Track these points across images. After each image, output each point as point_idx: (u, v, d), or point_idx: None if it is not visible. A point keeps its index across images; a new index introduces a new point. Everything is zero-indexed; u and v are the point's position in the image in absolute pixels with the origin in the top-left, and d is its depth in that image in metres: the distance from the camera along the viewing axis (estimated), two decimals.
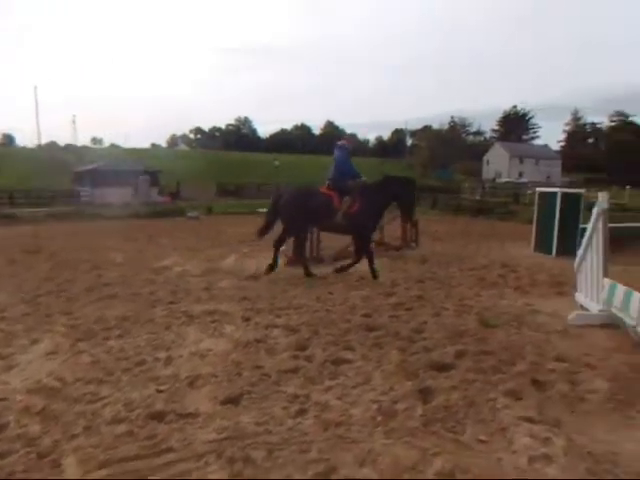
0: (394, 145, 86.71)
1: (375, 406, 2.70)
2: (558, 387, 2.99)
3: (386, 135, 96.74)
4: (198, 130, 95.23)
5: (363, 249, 6.58)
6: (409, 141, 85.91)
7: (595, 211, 4.52)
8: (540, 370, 3.27)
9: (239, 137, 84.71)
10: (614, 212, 18.27)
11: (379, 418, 2.58)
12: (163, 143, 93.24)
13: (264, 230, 6.81)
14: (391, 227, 8.97)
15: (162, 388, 2.90)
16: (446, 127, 76.47)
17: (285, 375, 3.16)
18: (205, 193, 28.83)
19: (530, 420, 2.54)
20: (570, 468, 2.14)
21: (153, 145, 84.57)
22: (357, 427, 2.50)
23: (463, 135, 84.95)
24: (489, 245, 10.29)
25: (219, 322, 4.40)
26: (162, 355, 3.48)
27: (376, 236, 7.16)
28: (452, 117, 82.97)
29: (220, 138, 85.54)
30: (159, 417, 2.56)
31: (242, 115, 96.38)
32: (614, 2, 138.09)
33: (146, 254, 8.68)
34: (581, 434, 2.45)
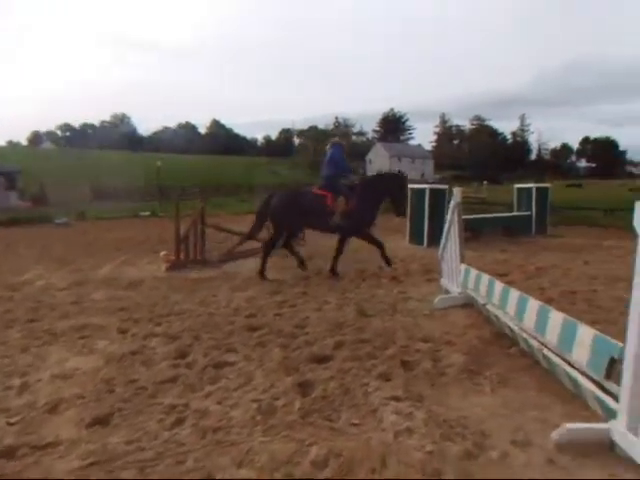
0: (282, 144, 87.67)
1: (255, 405, 2.72)
2: (423, 365, 3.31)
3: (274, 135, 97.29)
4: (67, 127, 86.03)
5: (374, 240, 6.65)
6: (296, 141, 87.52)
7: (451, 205, 5.08)
8: (408, 351, 3.59)
9: (119, 135, 78.36)
10: (475, 205, 20.70)
11: (258, 417, 2.60)
12: (23, 141, 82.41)
13: (255, 231, 6.79)
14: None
15: (13, 420, 2.57)
16: (331, 127, 79.34)
17: (163, 386, 3.02)
18: (78, 197, 26.17)
19: (397, 399, 2.78)
20: (428, 435, 2.39)
21: (10, 143, 74.31)
22: (237, 429, 2.49)
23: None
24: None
25: (90, 338, 4.04)
26: (16, 382, 3.08)
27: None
28: (336, 118, 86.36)
29: (94, 136, 78.25)
30: (9, 454, 2.26)
31: (120, 112, 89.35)
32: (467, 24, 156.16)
33: (1, 268, 7.60)
34: (439, 405, 2.74)
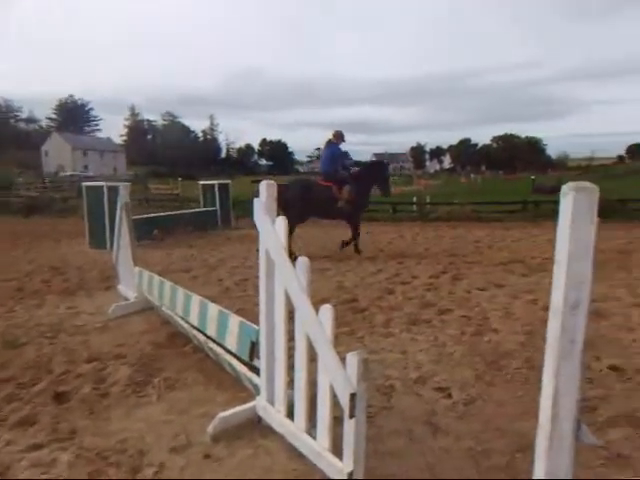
0: None
1: None
2: (81, 392, 2.88)
3: None
4: None
5: (358, 225, 7.60)
6: None
7: (118, 204, 4.69)
8: (66, 380, 3.06)
9: None
10: (170, 202, 20.57)
11: None
12: None
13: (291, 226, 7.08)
14: None
15: None
16: None
17: None
18: None
19: (37, 447, 2.28)
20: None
21: None
22: None
23: (12, 121, 73.34)
24: (41, 247, 9.22)
25: None
26: None
27: None
28: None
29: None
30: None
31: None
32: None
33: None
34: (95, 435, 2.41)
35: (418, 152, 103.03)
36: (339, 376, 1.83)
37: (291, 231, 7.11)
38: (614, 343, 3.43)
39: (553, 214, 10.97)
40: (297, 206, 7.16)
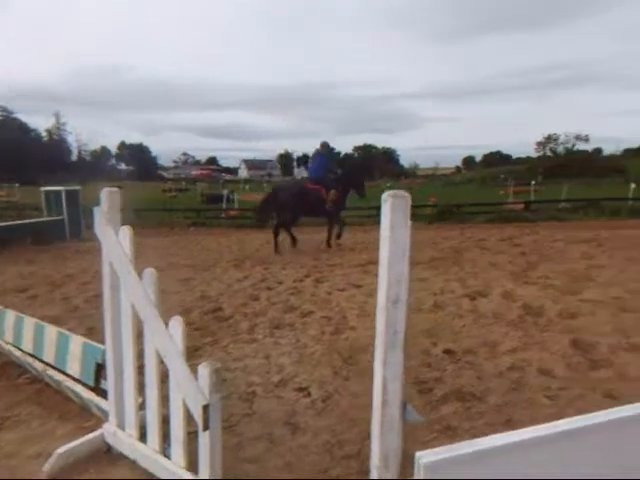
0: None
1: None
2: None
3: None
4: None
5: (339, 219, 8.78)
6: None
7: None
8: None
9: None
10: (3, 210, 17.72)
11: None
12: None
13: (264, 216, 9.07)
14: None
15: None
16: None
17: None
18: None
19: None
20: None
21: None
22: None
23: None
24: None
25: None
26: None
27: None
28: None
29: None
30: None
31: None
32: None
33: None
34: None
35: (286, 159, 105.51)
36: (191, 389, 1.78)
37: (286, 229, 8.61)
38: (448, 330, 3.94)
39: None
40: (291, 208, 8.20)
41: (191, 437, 1.94)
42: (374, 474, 1.46)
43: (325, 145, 8.89)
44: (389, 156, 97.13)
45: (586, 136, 54.69)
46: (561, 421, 1.47)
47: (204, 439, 1.78)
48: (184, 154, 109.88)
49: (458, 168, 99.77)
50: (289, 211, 8.25)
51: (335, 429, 2.48)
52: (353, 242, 9.70)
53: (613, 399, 2.62)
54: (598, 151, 60.93)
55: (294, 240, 8.73)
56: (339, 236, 8.80)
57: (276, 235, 8.51)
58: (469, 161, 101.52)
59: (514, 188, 21.83)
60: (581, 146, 55.47)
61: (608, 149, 67.37)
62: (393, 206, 1.32)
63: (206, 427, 1.77)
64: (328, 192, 8.34)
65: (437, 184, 49.79)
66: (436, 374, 3.11)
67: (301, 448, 2.32)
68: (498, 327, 3.94)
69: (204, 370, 1.74)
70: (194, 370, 1.80)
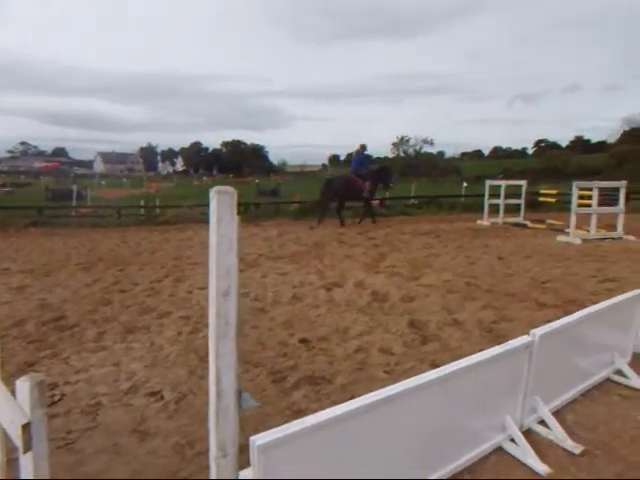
0: None
1: None
2: None
3: None
4: None
5: (371, 205, 11.85)
6: None
7: None
8: None
9: None
10: None
11: None
12: None
13: (325, 207, 11.34)
14: None
15: None
16: None
17: None
18: None
19: None
20: None
21: None
22: None
23: None
24: None
25: None
26: None
27: None
28: None
29: None
30: None
31: None
32: None
33: None
34: None
35: (149, 153, 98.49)
36: (7, 408, 1.58)
37: (339, 208, 11.44)
38: (305, 320, 4.15)
39: (273, 214, 12.27)
40: (343, 193, 11.19)
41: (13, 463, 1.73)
42: (212, 465, 1.49)
43: (363, 146, 11.75)
44: (258, 152, 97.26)
45: (431, 140, 61.74)
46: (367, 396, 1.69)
47: (26, 462, 1.61)
48: (23, 143, 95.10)
49: (324, 165, 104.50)
50: (341, 196, 11.29)
51: (187, 430, 2.44)
52: None
53: (436, 367, 3.05)
54: (441, 154, 69.44)
55: (342, 222, 11.16)
56: (374, 220, 11.43)
57: (323, 213, 11.30)
58: (334, 159, 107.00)
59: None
60: (428, 149, 62.47)
61: (449, 152, 77.06)
62: (219, 201, 1.35)
63: (28, 448, 1.59)
64: (364, 183, 11.15)
65: (305, 180, 51.45)
66: (291, 362, 3.25)
67: (150, 454, 2.24)
68: (349, 314, 4.27)
69: (23, 385, 1.56)
70: None
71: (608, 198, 9.60)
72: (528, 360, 2.26)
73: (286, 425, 1.54)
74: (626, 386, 2.86)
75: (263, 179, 43.88)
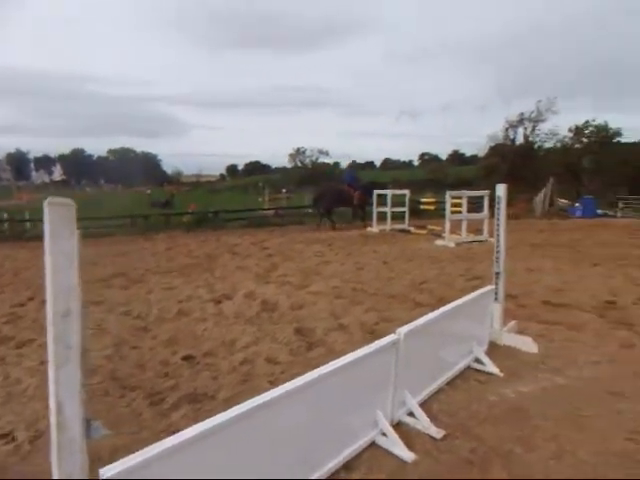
0: None
1: None
2: None
3: None
4: None
5: (364, 212, 13.68)
6: None
7: None
8: None
9: None
10: None
11: None
12: None
13: (329, 211, 13.52)
14: None
15: None
16: None
17: None
18: None
19: None
20: None
21: None
22: None
23: None
24: None
25: None
26: None
27: None
28: None
29: None
30: None
31: None
32: None
33: None
34: None
35: (19, 160, 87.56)
36: None
37: (329, 213, 13.59)
38: (190, 335, 3.98)
39: (164, 226, 11.62)
40: (335, 200, 13.49)
41: None
42: None
43: (352, 165, 17.36)
44: (150, 161, 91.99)
45: (327, 151, 64.03)
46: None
47: None
48: None
49: (222, 175, 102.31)
50: (334, 203, 13.53)
51: (44, 471, 2.17)
52: (96, 255, 8.78)
53: None
54: (336, 164, 72.27)
55: (333, 224, 13.22)
56: (365, 226, 12.87)
57: (321, 218, 13.57)
58: (232, 169, 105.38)
59: (270, 195, 23.77)
60: (324, 159, 64.63)
61: (344, 163, 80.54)
62: (54, 214, 1.24)
63: None
64: (355, 193, 13.50)
65: (201, 190, 49.86)
66: (172, 382, 3.09)
67: None
68: (237, 326, 4.20)
69: None
70: None
71: (476, 205, 10.81)
72: (395, 357, 2.42)
73: (143, 450, 1.45)
74: (483, 372, 3.20)
75: (156, 189, 41.62)
